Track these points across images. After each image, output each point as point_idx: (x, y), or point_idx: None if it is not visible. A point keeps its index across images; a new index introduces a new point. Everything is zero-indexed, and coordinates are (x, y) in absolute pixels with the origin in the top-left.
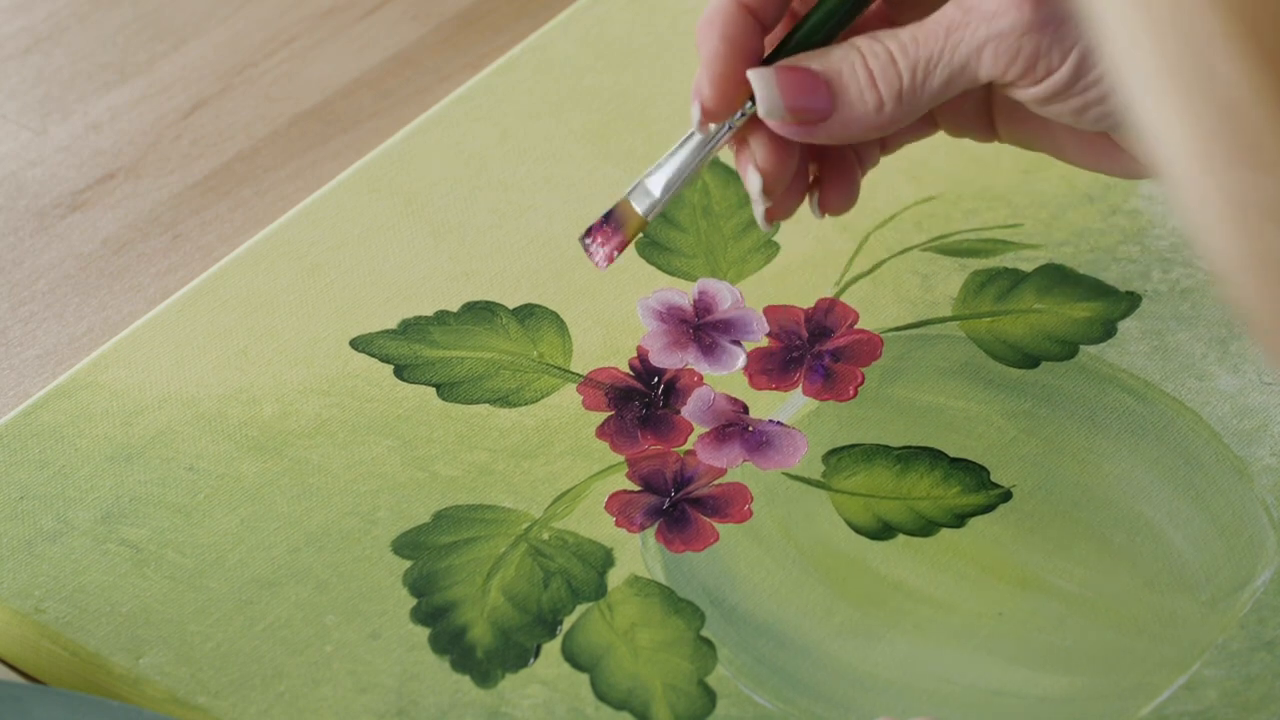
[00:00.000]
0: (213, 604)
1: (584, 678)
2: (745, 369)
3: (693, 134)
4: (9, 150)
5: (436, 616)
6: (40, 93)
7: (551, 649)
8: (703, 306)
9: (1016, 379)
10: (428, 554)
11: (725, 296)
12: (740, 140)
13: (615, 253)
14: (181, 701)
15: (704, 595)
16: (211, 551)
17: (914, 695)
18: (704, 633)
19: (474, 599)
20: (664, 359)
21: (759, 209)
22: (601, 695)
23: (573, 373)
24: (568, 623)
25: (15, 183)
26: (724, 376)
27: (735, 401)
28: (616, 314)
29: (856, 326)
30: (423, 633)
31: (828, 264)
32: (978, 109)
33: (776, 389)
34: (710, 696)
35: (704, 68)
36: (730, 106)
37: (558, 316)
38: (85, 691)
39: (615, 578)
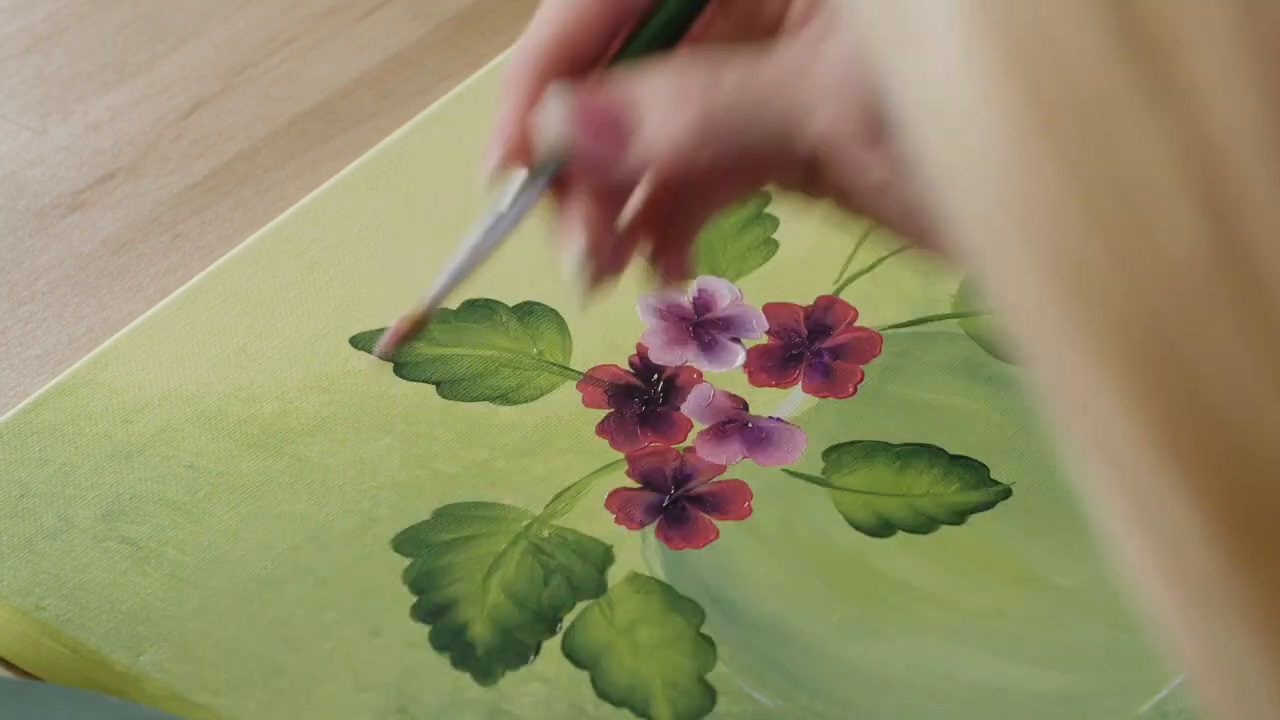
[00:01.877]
0: (213, 601)
1: (584, 675)
2: (745, 366)
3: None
4: (9, 150)
5: (437, 614)
6: (40, 93)
7: (552, 646)
8: (702, 304)
9: (1016, 375)
10: (428, 551)
11: (724, 294)
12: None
13: (390, 341)
14: (182, 699)
15: (704, 592)
16: (212, 549)
17: (914, 692)
18: (704, 630)
19: (474, 596)
20: (664, 356)
21: (579, 279)
22: (602, 692)
23: (572, 370)
24: (568, 620)
25: (15, 183)
26: (724, 373)
27: (735, 398)
28: (616, 311)
29: (856, 324)
30: (423, 630)
31: (827, 261)
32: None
33: (776, 386)
34: (710, 694)
35: (506, 105)
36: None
37: (557, 314)
38: (85, 689)
39: (615, 575)
